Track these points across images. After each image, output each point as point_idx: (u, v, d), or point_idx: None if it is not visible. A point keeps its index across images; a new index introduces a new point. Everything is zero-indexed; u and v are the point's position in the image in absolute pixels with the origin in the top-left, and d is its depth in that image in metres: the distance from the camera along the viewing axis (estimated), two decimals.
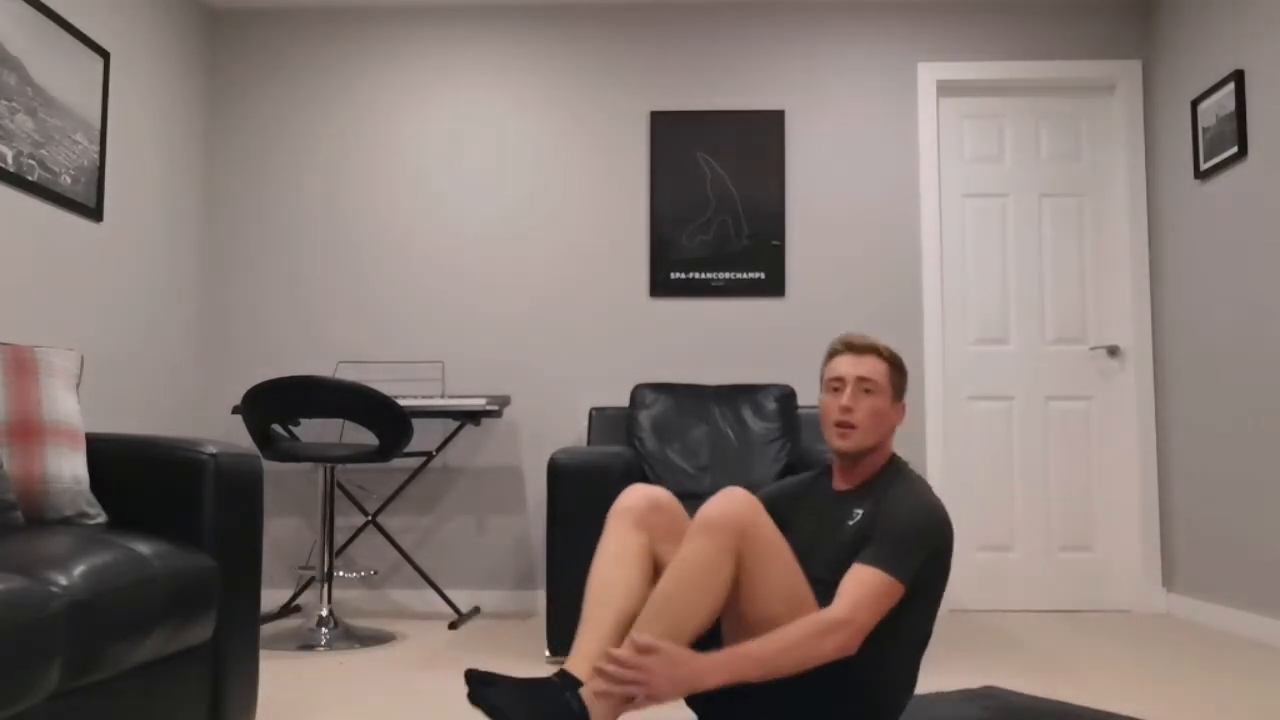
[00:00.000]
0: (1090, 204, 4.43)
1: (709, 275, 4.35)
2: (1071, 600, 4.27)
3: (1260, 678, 2.94)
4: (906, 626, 1.91)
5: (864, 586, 1.82)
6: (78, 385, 2.17)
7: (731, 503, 1.83)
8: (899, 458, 2.09)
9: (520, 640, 3.58)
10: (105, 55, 3.69)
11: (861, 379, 2.02)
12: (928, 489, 1.98)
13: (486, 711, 1.64)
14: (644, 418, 3.80)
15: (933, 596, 1.95)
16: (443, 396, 4.09)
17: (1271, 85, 3.54)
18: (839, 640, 1.77)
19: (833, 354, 2.09)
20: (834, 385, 2.06)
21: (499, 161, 4.46)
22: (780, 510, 2.10)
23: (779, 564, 1.84)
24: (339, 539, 4.32)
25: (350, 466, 4.32)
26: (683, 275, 4.36)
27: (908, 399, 4.29)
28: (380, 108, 4.49)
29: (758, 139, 4.39)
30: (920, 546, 1.87)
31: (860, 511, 1.98)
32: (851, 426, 2.01)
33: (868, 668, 1.87)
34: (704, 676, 1.70)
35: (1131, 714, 2.48)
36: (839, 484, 2.08)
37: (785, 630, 1.77)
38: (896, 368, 2.08)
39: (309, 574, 4.30)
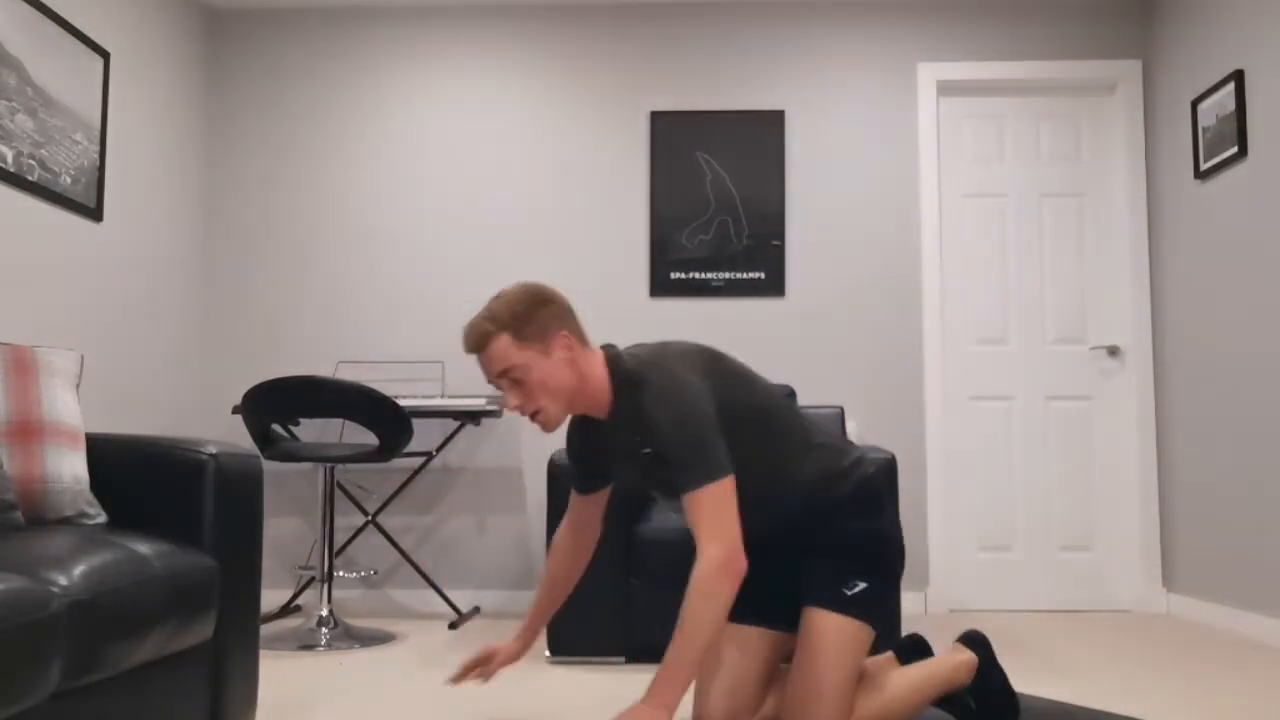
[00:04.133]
0: (1090, 204, 4.43)
1: (709, 275, 4.35)
2: (1071, 600, 4.27)
3: (1260, 678, 2.94)
4: (766, 447, 1.95)
5: (705, 512, 1.81)
6: (78, 385, 2.17)
7: None
8: (616, 363, 1.97)
9: None
10: (105, 55, 3.69)
11: (500, 375, 1.93)
12: (661, 375, 1.88)
13: None
14: None
15: (741, 401, 1.94)
16: (443, 396, 4.09)
17: (1271, 85, 3.54)
18: (729, 570, 1.78)
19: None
20: (496, 383, 1.98)
21: (498, 161, 4.46)
22: (593, 459, 2.12)
23: None
24: (339, 539, 4.32)
25: (350, 466, 4.32)
26: (683, 275, 4.36)
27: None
28: (379, 107, 4.49)
29: (758, 139, 4.39)
30: (698, 434, 1.83)
31: (639, 439, 1.95)
32: (535, 415, 1.95)
33: (798, 480, 1.98)
34: (655, 715, 1.72)
35: (1131, 714, 2.48)
36: (600, 417, 2.03)
37: (687, 608, 1.77)
38: (514, 324, 1.91)
39: (309, 574, 4.30)
